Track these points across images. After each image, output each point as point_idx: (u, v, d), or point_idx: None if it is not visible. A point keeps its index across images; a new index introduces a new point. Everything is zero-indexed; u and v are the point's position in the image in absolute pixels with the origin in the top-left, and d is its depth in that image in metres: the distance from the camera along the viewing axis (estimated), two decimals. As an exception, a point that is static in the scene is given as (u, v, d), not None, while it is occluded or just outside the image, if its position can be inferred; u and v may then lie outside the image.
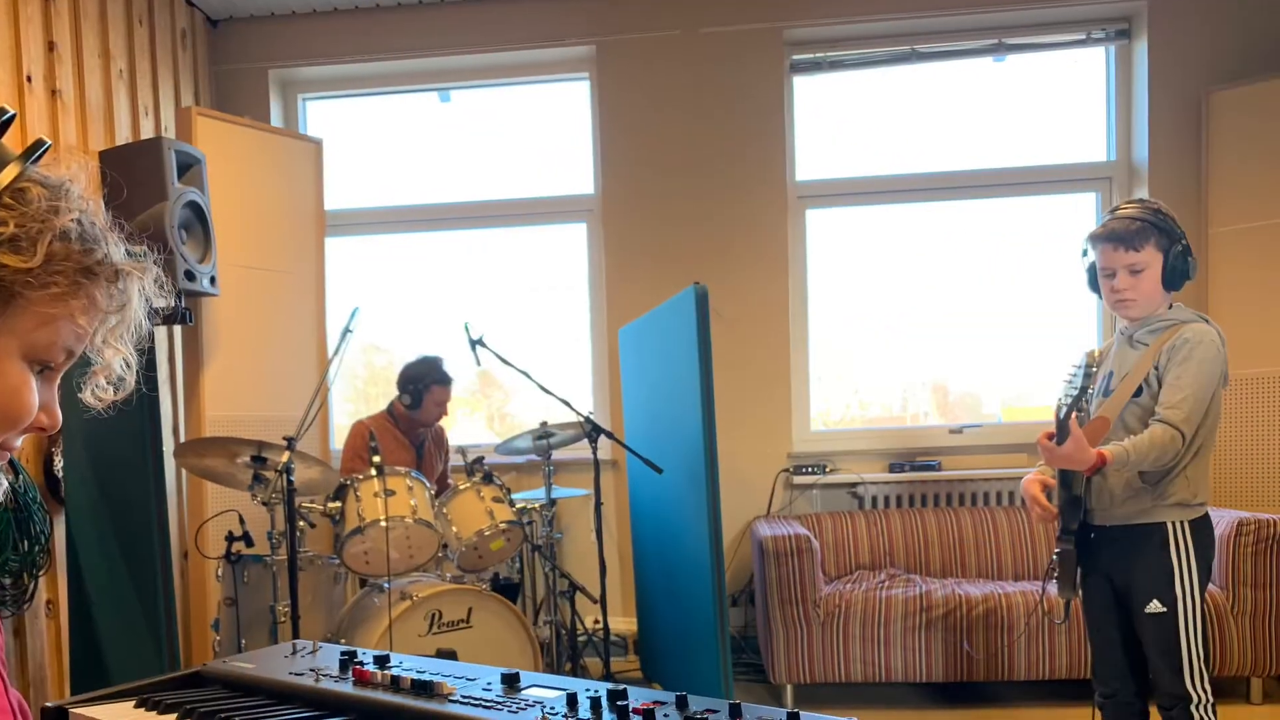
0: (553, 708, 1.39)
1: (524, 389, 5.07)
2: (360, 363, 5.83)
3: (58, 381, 1.08)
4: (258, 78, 5.33)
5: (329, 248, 5.08)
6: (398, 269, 5.60)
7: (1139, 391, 2.69)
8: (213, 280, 4.00)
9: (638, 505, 4.79)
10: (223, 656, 2.61)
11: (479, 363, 4.09)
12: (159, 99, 4.69)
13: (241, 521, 3.82)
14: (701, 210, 5.14)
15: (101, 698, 1.69)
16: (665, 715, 1.35)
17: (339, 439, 5.09)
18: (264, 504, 3.71)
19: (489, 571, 4.39)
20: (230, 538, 3.79)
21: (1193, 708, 2.61)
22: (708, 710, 1.36)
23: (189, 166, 3.96)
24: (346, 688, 1.58)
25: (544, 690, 1.49)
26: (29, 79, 3.76)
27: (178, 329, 4.60)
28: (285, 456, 3.53)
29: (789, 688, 4.28)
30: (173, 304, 3.65)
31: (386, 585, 3.78)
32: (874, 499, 5.06)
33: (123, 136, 4.35)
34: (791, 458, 5.14)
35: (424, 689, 1.51)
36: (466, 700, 1.46)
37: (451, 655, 3.59)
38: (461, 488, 4.07)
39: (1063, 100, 5.26)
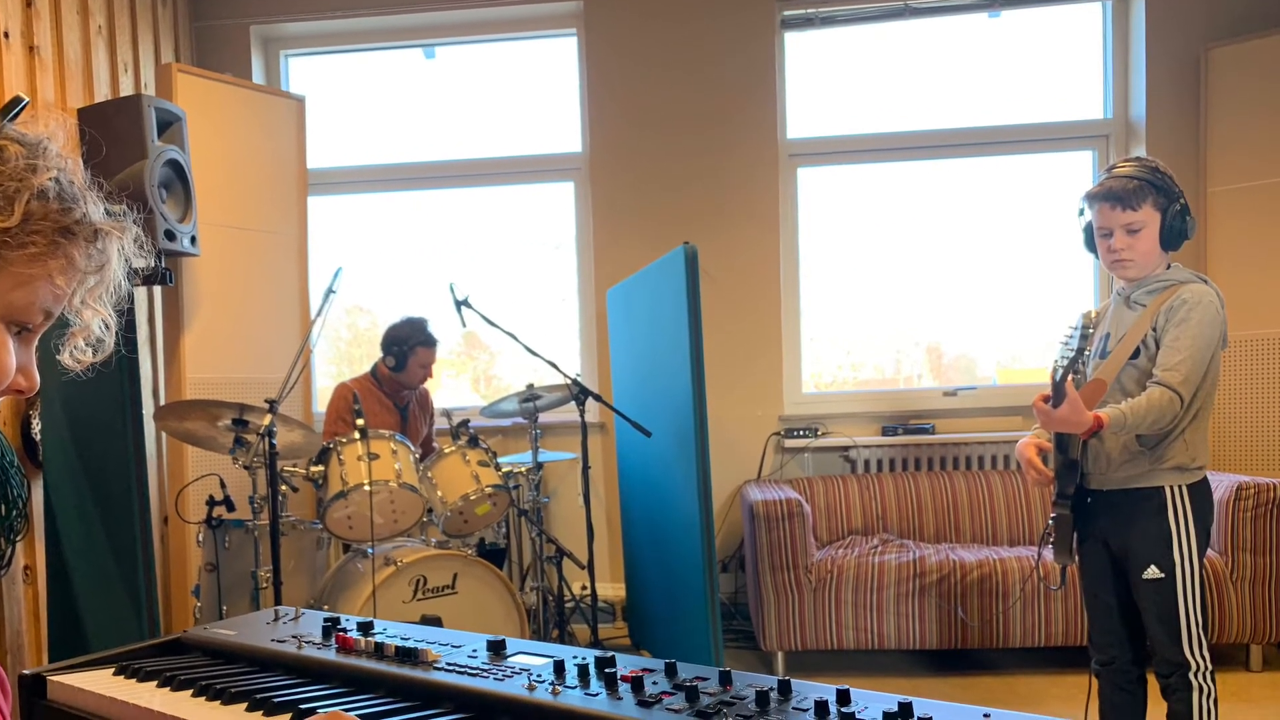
0: (539, 675, 1.37)
1: (510, 351, 5.04)
2: (343, 324, 5.77)
3: (35, 343, 1.07)
4: (239, 34, 5.24)
5: (312, 207, 5.02)
6: (382, 228, 5.53)
7: (1136, 353, 2.66)
8: (193, 240, 3.94)
9: (626, 469, 4.76)
10: (203, 623, 2.60)
11: (464, 324, 4.06)
12: (138, 55, 4.61)
13: (223, 485, 3.81)
14: (691, 168, 5.08)
15: (80, 665, 1.70)
16: (654, 683, 1.33)
17: (322, 402, 5.05)
18: (245, 468, 3.68)
19: (475, 537, 4.36)
20: (211, 502, 3.77)
21: (1191, 675, 2.58)
22: (697, 678, 1.34)
23: (169, 124, 3.89)
24: (329, 655, 1.58)
25: (530, 657, 1.48)
26: (6, 35, 3.69)
27: (158, 290, 4.56)
28: (267, 419, 3.50)
29: (780, 655, 4.27)
30: (152, 264, 3.58)
31: (370, 551, 3.75)
32: (866, 463, 5.03)
33: (101, 94, 4.29)
34: (783, 420, 5.11)
35: (408, 656, 1.50)
36: (451, 667, 1.45)
37: (436, 622, 3.57)
38: (447, 451, 4.03)
39: (1059, 57, 5.19)
